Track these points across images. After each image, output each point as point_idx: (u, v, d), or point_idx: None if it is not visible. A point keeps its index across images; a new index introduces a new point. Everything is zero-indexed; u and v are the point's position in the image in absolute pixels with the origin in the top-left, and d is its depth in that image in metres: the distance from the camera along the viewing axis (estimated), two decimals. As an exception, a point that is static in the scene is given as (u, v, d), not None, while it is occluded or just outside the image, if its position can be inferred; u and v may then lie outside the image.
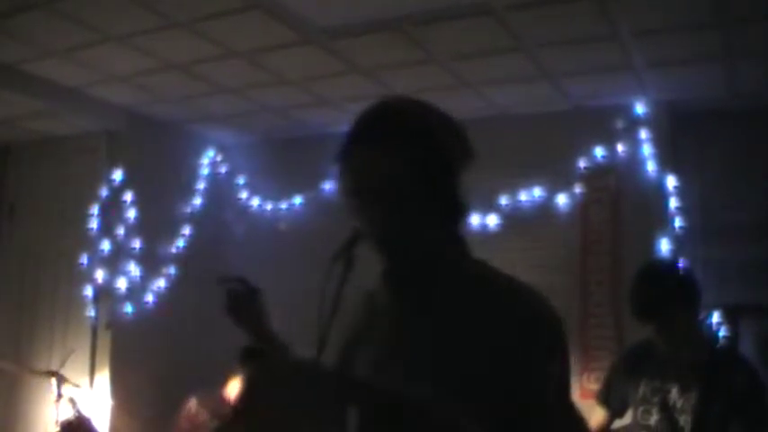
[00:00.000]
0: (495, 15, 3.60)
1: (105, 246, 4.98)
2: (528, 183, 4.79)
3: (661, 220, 4.47)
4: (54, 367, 4.65)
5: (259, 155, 5.64)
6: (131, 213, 5.07)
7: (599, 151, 4.68)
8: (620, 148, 4.64)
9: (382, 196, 1.34)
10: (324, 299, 1.36)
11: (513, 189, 4.81)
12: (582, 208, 4.74)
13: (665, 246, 4.40)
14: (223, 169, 5.70)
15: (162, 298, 5.15)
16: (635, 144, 4.63)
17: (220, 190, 5.66)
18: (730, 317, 4.29)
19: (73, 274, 5.03)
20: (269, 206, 5.55)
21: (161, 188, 5.25)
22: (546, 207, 4.77)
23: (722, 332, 4.26)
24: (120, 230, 5.03)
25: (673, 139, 4.64)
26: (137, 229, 5.07)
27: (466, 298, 1.32)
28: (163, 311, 5.10)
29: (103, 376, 4.90)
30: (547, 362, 1.28)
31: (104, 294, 4.96)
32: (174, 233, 5.35)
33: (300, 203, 5.44)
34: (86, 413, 4.57)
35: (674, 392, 2.63)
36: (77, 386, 4.62)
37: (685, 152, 4.62)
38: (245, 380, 1.30)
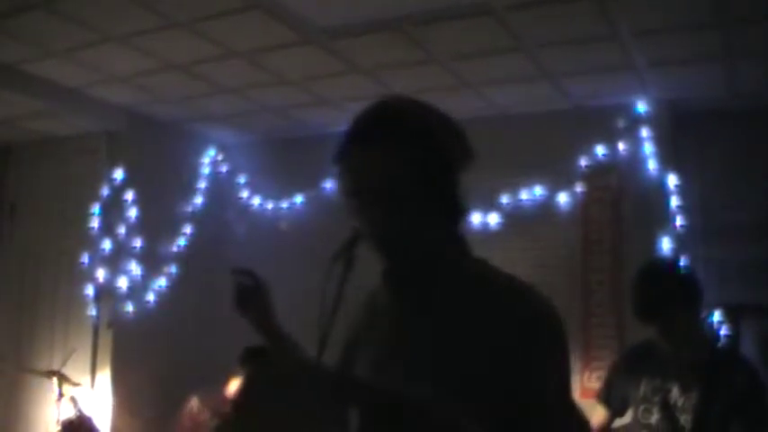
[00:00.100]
0: (495, 15, 3.60)
1: (106, 245, 4.99)
2: (529, 182, 4.79)
3: (662, 219, 4.47)
4: (55, 367, 4.66)
5: (259, 154, 5.64)
6: (132, 213, 5.08)
7: (600, 150, 4.68)
8: (620, 146, 4.64)
9: (382, 196, 1.34)
10: (324, 299, 1.36)
11: (513, 188, 4.82)
12: (583, 207, 4.74)
13: (666, 245, 4.40)
14: (224, 169, 5.71)
15: (163, 297, 5.15)
16: (636, 143, 4.63)
17: (221, 189, 5.67)
18: (731, 316, 4.29)
19: (74, 274, 5.04)
20: (270, 205, 5.56)
21: (162, 188, 5.26)
22: (547, 206, 4.77)
23: (723, 332, 4.26)
24: (121, 230, 5.04)
25: (673, 139, 4.64)
26: (138, 228, 5.08)
27: (466, 297, 1.32)
28: (164, 310, 5.11)
29: (104, 375, 4.90)
30: (547, 362, 1.28)
31: (105, 294, 4.97)
32: (174, 232, 5.35)
33: (301, 203, 5.45)
34: (87, 412, 4.58)
35: (675, 392, 2.63)
36: (78, 385, 4.63)
37: (685, 152, 4.62)
38: (245, 378, 1.30)
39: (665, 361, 2.68)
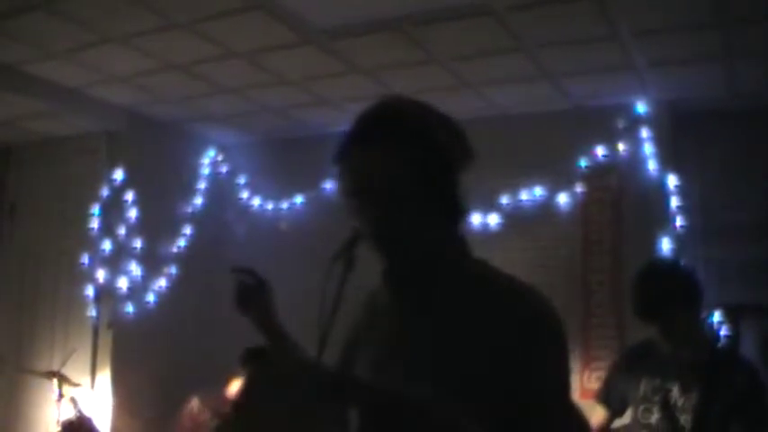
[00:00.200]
0: (495, 16, 3.61)
1: (106, 245, 4.99)
2: (529, 182, 4.79)
3: (662, 219, 4.47)
4: (55, 367, 4.66)
5: (259, 155, 5.64)
6: (132, 213, 5.08)
7: (600, 150, 4.68)
8: (620, 147, 4.64)
9: (382, 196, 1.34)
10: (324, 299, 1.36)
11: (513, 188, 4.82)
12: (583, 207, 4.74)
13: (666, 245, 4.40)
14: (224, 169, 5.71)
15: (163, 298, 5.15)
16: (636, 143, 4.63)
17: (221, 190, 5.67)
18: (731, 316, 4.28)
19: (74, 274, 5.04)
20: (270, 206, 5.56)
21: (162, 188, 5.26)
22: (547, 206, 4.77)
23: (723, 332, 4.26)
24: (121, 230, 5.04)
25: (673, 139, 4.64)
26: (138, 228, 5.08)
27: (466, 298, 1.32)
28: (164, 311, 5.11)
29: (105, 376, 4.90)
30: (547, 362, 1.28)
31: (105, 294, 4.97)
32: (174, 233, 5.35)
33: (301, 203, 5.45)
34: (87, 413, 4.58)
35: (675, 391, 2.63)
36: (78, 386, 4.63)
37: (685, 152, 4.62)
38: (245, 379, 1.30)
39: (665, 361, 2.68)
